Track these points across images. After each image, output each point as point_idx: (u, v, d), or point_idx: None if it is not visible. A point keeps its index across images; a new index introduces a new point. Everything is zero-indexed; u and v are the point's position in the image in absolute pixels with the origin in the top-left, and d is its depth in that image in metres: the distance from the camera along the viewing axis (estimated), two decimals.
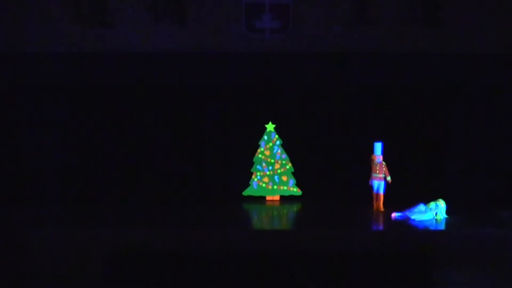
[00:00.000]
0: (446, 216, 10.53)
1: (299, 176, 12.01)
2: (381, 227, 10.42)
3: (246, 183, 12.00)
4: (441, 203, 10.57)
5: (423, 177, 11.99)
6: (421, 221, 10.36)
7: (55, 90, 11.85)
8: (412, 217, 10.47)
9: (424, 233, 9.91)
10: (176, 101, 12.06)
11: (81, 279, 9.40)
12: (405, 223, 10.32)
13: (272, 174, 11.98)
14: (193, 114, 12.10)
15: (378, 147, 11.16)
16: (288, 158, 11.99)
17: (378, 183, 11.14)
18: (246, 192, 11.98)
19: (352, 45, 11.61)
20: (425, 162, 12.04)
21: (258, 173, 11.99)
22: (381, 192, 11.15)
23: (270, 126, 12.00)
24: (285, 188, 11.98)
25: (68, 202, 11.61)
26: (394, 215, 10.62)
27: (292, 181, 11.97)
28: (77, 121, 11.95)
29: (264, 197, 11.97)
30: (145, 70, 11.77)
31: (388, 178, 11.12)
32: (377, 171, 11.11)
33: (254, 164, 12.01)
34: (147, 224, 10.22)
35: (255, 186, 12.00)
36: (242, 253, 9.48)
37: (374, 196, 11.17)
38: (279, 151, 11.98)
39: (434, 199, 10.65)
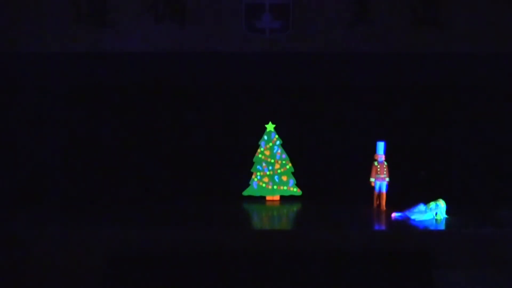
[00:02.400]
0: (446, 216, 10.53)
1: (299, 176, 12.00)
2: (381, 227, 10.41)
3: (246, 183, 11.99)
4: (441, 203, 10.56)
5: (423, 177, 11.99)
6: (421, 221, 10.36)
7: (55, 90, 11.85)
8: (412, 217, 10.47)
9: (424, 233, 9.90)
10: (176, 101, 12.06)
11: (81, 279, 9.40)
12: (405, 223, 10.32)
13: (272, 174, 11.97)
14: (193, 114, 12.10)
15: (380, 146, 11.19)
16: (288, 158, 11.99)
17: (380, 183, 11.17)
18: (246, 192, 11.98)
19: (352, 45, 11.61)
20: (425, 162, 12.04)
21: (258, 173, 11.99)
22: (383, 191, 11.18)
23: (270, 126, 12.00)
24: (285, 188, 11.97)
25: (68, 202, 11.60)
26: (394, 215, 10.62)
27: (292, 181, 11.97)
28: (76, 121, 11.95)
29: (264, 197, 11.97)
30: (145, 70, 11.77)
31: (387, 180, 11.15)
32: (379, 171, 11.14)
33: (254, 164, 12.00)
34: (147, 224, 10.21)
35: (255, 186, 12.00)
36: (242, 253, 9.48)
37: (376, 195, 11.20)
38: (279, 151, 11.98)
39: (434, 199, 10.65)
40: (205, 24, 11.61)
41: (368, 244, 9.62)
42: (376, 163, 11.17)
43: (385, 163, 11.18)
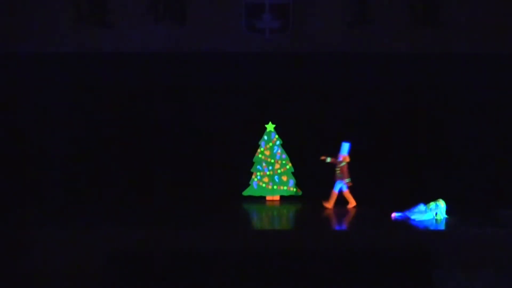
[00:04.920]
0: (446, 216, 10.53)
1: (299, 176, 12.00)
2: (381, 227, 10.40)
3: (246, 183, 11.99)
4: (441, 203, 10.57)
5: (423, 177, 11.99)
6: (421, 221, 10.36)
7: (55, 90, 11.85)
8: (412, 217, 10.47)
9: (424, 233, 9.91)
10: (176, 101, 12.06)
11: (81, 279, 9.40)
12: (405, 223, 10.32)
13: (272, 174, 11.97)
14: (193, 114, 12.10)
15: (345, 147, 11.19)
16: (288, 158, 11.99)
17: (340, 184, 11.29)
18: (246, 192, 11.98)
19: (352, 45, 11.61)
20: (425, 162, 12.04)
21: (258, 173, 11.99)
22: (345, 190, 11.27)
23: (270, 126, 12.00)
24: (285, 188, 11.98)
25: (68, 202, 11.60)
26: (394, 215, 10.62)
27: (292, 181, 11.97)
28: (77, 121, 11.96)
29: (264, 197, 11.97)
30: (145, 70, 11.77)
31: (346, 181, 11.19)
32: (339, 172, 11.24)
33: (254, 164, 12.00)
34: (147, 224, 10.21)
35: (255, 186, 12.00)
36: (242, 253, 9.48)
37: (335, 195, 11.27)
38: (279, 151, 11.98)
39: (434, 199, 10.65)
40: (205, 24, 11.61)
41: (368, 244, 9.62)
42: (328, 160, 11.21)
43: (344, 163, 11.18)
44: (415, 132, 12.06)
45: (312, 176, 12.07)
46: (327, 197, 11.59)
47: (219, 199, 11.86)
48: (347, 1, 11.54)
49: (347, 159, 11.19)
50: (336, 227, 10.19)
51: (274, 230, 10.23)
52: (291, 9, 11.56)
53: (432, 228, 10.06)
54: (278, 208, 11.55)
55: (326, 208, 11.23)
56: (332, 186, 11.80)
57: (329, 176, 12.06)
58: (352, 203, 11.25)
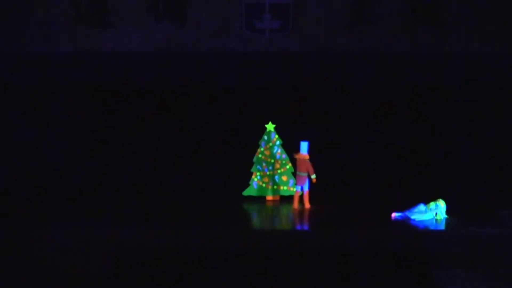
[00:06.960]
0: (446, 216, 10.53)
1: None
2: (381, 227, 10.40)
3: (246, 183, 11.99)
4: (441, 203, 10.57)
5: (423, 177, 12.00)
6: (421, 221, 10.36)
7: (55, 90, 11.86)
8: (412, 217, 10.47)
9: (424, 233, 9.91)
10: (176, 101, 12.08)
11: (81, 279, 9.41)
12: (405, 223, 10.32)
13: (272, 174, 11.97)
14: (193, 114, 12.12)
15: (304, 146, 11.19)
16: (288, 158, 11.98)
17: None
18: (246, 192, 11.97)
19: (352, 45, 11.61)
20: (425, 162, 12.05)
21: (258, 173, 11.98)
22: (306, 189, 11.23)
23: (270, 126, 11.99)
24: (285, 188, 11.97)
25: (68, 202, 11.61)
26: (394, 215, 10.63)
27: (292, 181, 11.96)
28: (76, 121, 11.97)
29: (264, 197, 11.97)
30: (145, 70, 11.78)
31: (313, 176, 11.13)
32: (302, 169, 11.17)
33: (254, 164, 12.00)
34: (147, 224, 10.22)
35: (255, 186, 12.00)
36: (242, 253, 9.48)
37: (298, 195, 11.29)
38: (279, 151, 11.97)
39: (434, 199, 10.65)
40: (205, 24, 11.61)
41: (368, 244, 9.63)
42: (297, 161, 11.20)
43: (306, 160, 11.16)
44: (415, 131, 12.06)
45: None
46: (326, 197, 11.61)
47: (219, 199, 11.86)
48: (347, 1, 11.54)
49: (307, 157, 11.17)
50: (335, 227, 10.18)
51: (274, 230, 10.23)
52: (291, 9, 11.56)
53: (432, 228, 10.06)
54: (278, 208, 11.55)
55: (310, 209, 11.23)
56: (332, 186, 11.87)
57: (329, 176, 12.10)
58: (306, 205, 11.25)
